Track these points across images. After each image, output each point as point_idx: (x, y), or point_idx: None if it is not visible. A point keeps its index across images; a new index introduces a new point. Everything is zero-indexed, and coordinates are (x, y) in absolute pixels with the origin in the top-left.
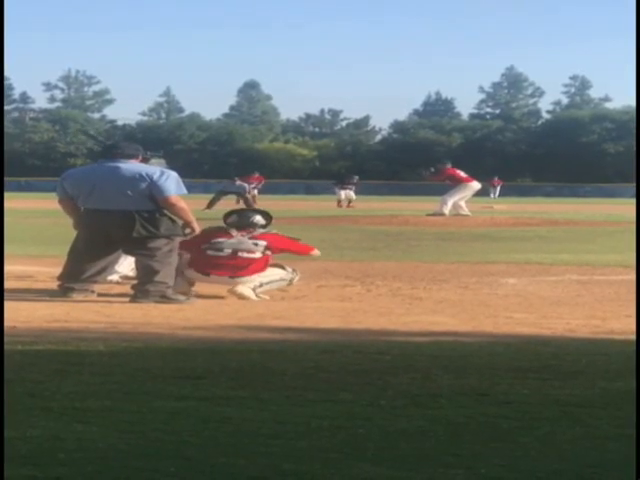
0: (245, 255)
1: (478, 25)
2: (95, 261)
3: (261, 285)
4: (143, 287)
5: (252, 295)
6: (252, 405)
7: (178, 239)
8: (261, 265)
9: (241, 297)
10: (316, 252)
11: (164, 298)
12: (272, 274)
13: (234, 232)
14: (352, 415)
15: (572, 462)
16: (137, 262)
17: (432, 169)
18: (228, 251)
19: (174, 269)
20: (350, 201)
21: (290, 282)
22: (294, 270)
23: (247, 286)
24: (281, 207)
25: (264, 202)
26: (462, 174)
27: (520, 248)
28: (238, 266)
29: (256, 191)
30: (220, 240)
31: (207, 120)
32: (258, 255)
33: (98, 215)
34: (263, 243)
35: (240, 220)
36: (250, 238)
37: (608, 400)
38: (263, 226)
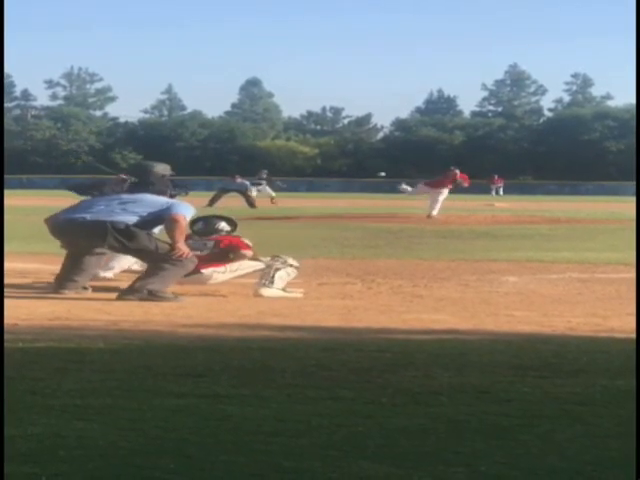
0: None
1: (481, 23)
2: (80, 266)
3: (271, 282)
4: (133, 285)
5: (282, 293)
6: (253, 403)
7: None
8: (214, 261)
9: (271, 297)
10: (249, 253)
11: (151, 295)
12: (248, 266)
13: (195, 238)
14: (352, 413)
15: (572, 460)
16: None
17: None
18: None
19: (178, 270)
20: (272, 198)
21: (293, 267)
22: (275, 256)
23: (270, 287)
24: (283, 205)
25: (265, 201)
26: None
27: (521, 246)
28: None
29: None
30: None
31: (209, 118)
32: (205, 252)
33: (68, 224)
34: (211, 243)
35: (206, 227)
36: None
37: (609, 398)
38: (228, 232)
